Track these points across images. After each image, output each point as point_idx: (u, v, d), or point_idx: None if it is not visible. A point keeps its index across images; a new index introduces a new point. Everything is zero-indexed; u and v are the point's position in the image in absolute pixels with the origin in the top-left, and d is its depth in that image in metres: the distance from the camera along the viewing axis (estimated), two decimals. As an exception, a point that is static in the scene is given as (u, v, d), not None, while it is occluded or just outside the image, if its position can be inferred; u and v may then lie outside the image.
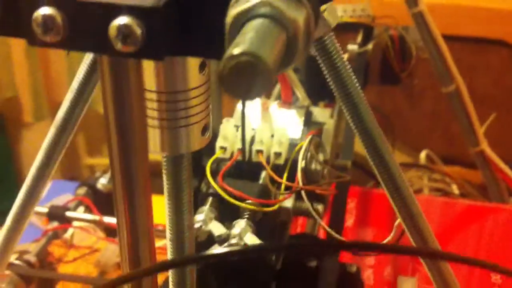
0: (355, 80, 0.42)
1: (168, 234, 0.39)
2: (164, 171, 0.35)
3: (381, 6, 0.98)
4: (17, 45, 1.37)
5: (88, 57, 0.43)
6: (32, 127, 1.49)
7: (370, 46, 0.88)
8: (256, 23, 0.23)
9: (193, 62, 0.32)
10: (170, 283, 0.39)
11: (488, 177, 0.95)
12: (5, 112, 1.51)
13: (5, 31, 0.26)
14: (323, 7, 0.40)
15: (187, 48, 0.27)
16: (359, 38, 0.89)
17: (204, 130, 0.34)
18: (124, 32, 0.24)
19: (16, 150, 1.58)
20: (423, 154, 1.15)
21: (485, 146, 0.92)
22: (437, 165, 1.13)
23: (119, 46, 0.25)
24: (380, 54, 0.89)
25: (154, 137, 0.33)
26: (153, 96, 0.32)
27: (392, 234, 0.59)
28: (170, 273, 0.39)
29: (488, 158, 0.92)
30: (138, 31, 0.24)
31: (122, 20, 0.24)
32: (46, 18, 0.25)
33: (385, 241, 0.59)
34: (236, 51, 0.21)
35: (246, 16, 0.23)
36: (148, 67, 0.31)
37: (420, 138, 1.28)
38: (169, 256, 0.40)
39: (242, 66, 0.21)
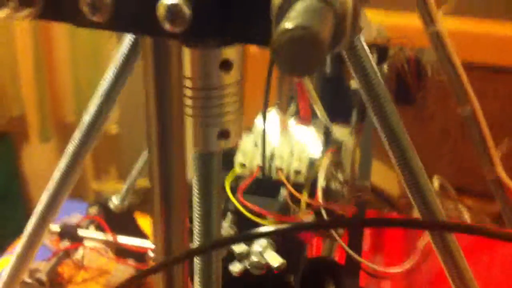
0: (383, 84, 0.41)
1: (195, 232, 0.38)
2: (194, 170, 0.35)
3: (395, 29, 0.98)
4: (25, 63, 1.38)
5: (117, 61, 0.43)
6: (38, 147, 1.49)
7: (385, 66, 0.88)
8: (305, 3, 0.22)
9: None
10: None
11: (503, 204, 0.93)
12: (12, 130, 1.51)
13: (51, 15, 0.26)
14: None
15: (232, 31, 0.26)
16: (374, 59, 0.89)
17: (235, 130, 0.33)
18: (173, 12, 0.24)
19: (22, 168, 1.58)
20: (435, 181, 1.14)
21: (500, 169, 0.90)
22: (450, 192, 1.12)
23: (167, 26, 0.24)
24: (395, 74, 0.89)
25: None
26: (189, 85, 0.32)
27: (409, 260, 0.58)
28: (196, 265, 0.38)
29: (504, 184, 0.90)
30: (187, 11, 0.24)
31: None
32: None
33: (404, 267, 0.58)
34: (289, 25, 0.20)
35: None
36: (185, 57, 0.30)
37: (430, 161, 1.26)
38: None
39: (296, 39, 0.20)
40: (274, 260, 0.48)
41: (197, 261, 0.36)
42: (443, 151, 1.27)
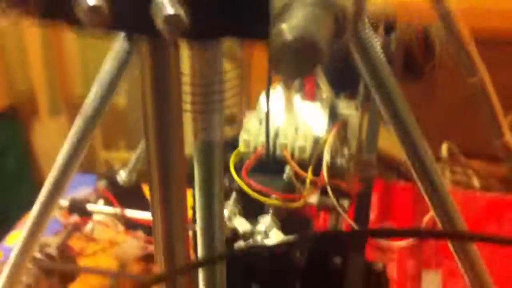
0: (388, 66, 0.41)
1: (198, 223, 0.38)
2: (195, 160, 0.35)
3: (403, 7, 0.96)
4: (33, 39, 1.37)
5: (115, 48, 0.42)
6: (48, 122, 1.49)
7: (392, 37, 0.86)
8: (305, 6, 0.22)
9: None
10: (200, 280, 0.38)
11: (512, 169, 0.93)
12: (20, 106, 1.51)
13: (50, 14, 0.26)
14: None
15: (231, 29, 0.26)
16: (381, 30, 0.88)
17: (234, 118, 0.33)
18: (172, 21, 0.23)
19: (32, 144, 1.58)
20: (444, 147, 1.13)
21: (509, 137, 0.90)
22: (458, 158, 1.11)
23: (162, 27, 0.24)
24: (403, 48, 0.88)
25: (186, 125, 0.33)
26: (187, 81, 0.32)
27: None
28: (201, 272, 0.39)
29: (512, 149, 0.90)
30: (185, 19, 0.23)
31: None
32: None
33: (409, 241, 0.58)
34: (285, 26, 0.20)
35: None
36: (183, 52, 0.30)
37: (441, 132, 1.26)
38: (199, 245, 0.39)
39: (293, 43, 0.20)
40: (279, 238, 0.48)
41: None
42: (456, 120, 1.27)
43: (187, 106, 0.32)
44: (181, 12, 0.23)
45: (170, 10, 0.23)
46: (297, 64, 0.20)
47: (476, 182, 1.04)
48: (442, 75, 1.11)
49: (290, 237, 0.47)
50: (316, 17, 0.21)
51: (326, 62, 0.21)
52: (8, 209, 1.50)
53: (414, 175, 0.43)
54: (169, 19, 0.23)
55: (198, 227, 0.38)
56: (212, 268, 0.35)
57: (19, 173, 1.51)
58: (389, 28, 0.87)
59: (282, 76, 0.20)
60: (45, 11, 0.25)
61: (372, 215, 0.83)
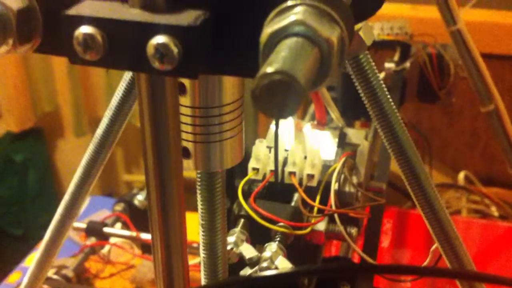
0: (390, 99, 0.42)
1: (201, 252, 0.39)
2: (198, 189, 0.36)
3: (419, 24, 0.97)
4: (59, 60, 1.40)
5: (128, 74, 0.44)
6: (72, 142, 1.52)
7: (407, 63, 0.87)
8: (289, 41, 0.23)
9: (229, 78, 0.33)
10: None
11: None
12: (45, 126, 1.54)
13: (48, 49, 0.27)
14: (358, 26, 0.40)
15: (222, 66, 0.27)
16: (397, 56, 0.88)
17: (237, 147, 0.35)
18: (162, 51, 0.25)
19: (56, 164, 1.61)
20: (461, 175, 1.13)
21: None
22: (476, 186, 1.11)
23: (156, 64, 0.25)
24: (418, 72, 0.88)
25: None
26: (188, 112, 0.33)
27: (428, 259, 0.58)
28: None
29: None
30: (175, 50, 0.25)
31: (159, 39, 0.25)
32: (87, 37, 0.25)
33: (423, 265, 0.58)
34: (269, 69, 0.21)
35: (280, 35, 0.23)
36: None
37: (459, 158, 1.25)
38: (202, 272, 0.40)
39: (275, 84, 0.21)
40: (284, 265, 0.49)
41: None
42: (474, 146, 1.26)
43: (187, 138, 0.33)
44: (170, 42, 0.25)
45: (160, 39, 0.25)
46: (279, 103, 0.21)
47: (494, 211, 1.03)
48: (459, 101, 1.11)
49: (293, 267, 0.48)
50: (299, 53, 0.22)
51: (303, 101, 0.22)
52: (30, 227, 1.53)
53: (416, 202, 0.43)
54: (159, 48, 0.25)
55: (201, 256, 0.39)
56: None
57: (41, 192, 1.54)
58: (405, 53, 0.88)
59: (266, 115, 0.21)
60: (45, 45, 0.27)
61: (386, 243, 0.83)
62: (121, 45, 0.25)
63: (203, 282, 0.39)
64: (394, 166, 0.75)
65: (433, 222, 0.44)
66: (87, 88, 1.47)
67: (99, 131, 0.48)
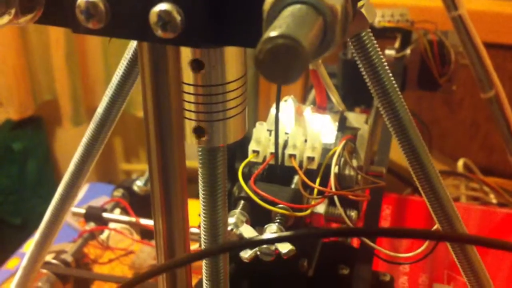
0: (392, 78, 0.42)
1: (202, 228, 0.39)
2: (199, 164, 0.36)
3: (420, 11, 0.97)
4: (57, 49, 1.40)
5: (129, 52, 0.43)
6: (70, 131, 1.52)
7: (408, 51, 0.87)
8: (293, 8, 0.23)
9: (232, 53, 0.32)
10: (204, 278, 0.39)
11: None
12: (44, 114, 1.54)
13: (49, 20, 0.27)
14: (361, 3, 0.40)
15: (224, 36, 0.27)
16: (397, 43, 0.88)
17: (240, 123, 0.34)
18: (165, 18, 0.25)
19: (55, 152, 1.61)
20: (460, 163, 1.13)
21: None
22: (475, 174, 1.11)
23: (159, 32, 0.25)
24: (419, 59, 0.88)
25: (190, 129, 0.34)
26: (190, 88, 0.33)
27: (427, 243, 0.58)
28: (203, 267, 0.40)
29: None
30: (178, 17, 0.25)
31: (162, 6, 0.25)
32: (89, 5, 0.25)
33: (420, 249, 0.58)
34: (273, 33, 0.21)
35: (284, 2, 0.23)
36: (186, 58, 0.31)
37: (458, 148, 1.26)
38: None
39: (279, 48, 0.21)
40: (283, 246, 0.49)
41: (204, 261, 0.38)
42: (473, 135, 1.26)
43: (190, 114, 0.33)
44: (174, 10, 0.24)
45: (163, 7, 0.24)
46: (283, 69, 0.21)
47: (493, 199, 1.03)
48: (460, 90, 1.11)
49: (291, 232, 0.47)
50: (303, 20, 0.22)
51: (307, 66, 0.22)
52: (29, 216, 1.53)
53: (416, 180, 0.43)
54: (162, 15, 0.24)
55: (202, 228, 0.39)
56: (213, 261, 0.36)
57: (40, 181, 1.54)
58: (406, 40, 0.87)
59: (269, 81, 0.21)
60: (47, 16, 0.26)
61: (385, 226, 0.83)
62: (123, 13, 0.25)
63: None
64: (394, 153, 0.76)
65: (435, 204, 0.44)
66: (85, 78, 1.46)
67: (99, 111, 0.48)
